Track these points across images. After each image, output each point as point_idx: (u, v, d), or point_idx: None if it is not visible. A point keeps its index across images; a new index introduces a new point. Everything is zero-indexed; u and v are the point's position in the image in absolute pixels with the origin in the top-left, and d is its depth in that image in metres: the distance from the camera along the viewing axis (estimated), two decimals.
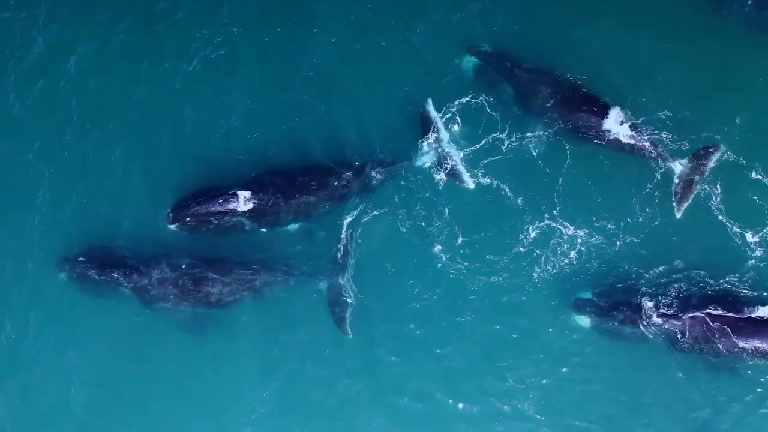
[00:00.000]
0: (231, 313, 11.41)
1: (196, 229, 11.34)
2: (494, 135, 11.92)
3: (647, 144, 11.48)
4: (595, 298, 11.27)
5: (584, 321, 11.26)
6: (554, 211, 11.60)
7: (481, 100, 12.06)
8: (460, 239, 11.58)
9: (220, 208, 11.23)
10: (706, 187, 11.46)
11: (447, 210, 11.70)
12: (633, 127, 11.52)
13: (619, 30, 12.43)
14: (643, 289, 11.23)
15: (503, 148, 11.89)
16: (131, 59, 12.69)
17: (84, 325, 11.51)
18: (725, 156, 11.55)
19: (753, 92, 12.06)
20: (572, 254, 11.46)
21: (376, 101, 12.36)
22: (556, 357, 11.26)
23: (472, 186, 11.68)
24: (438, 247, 11.56)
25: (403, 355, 11.35)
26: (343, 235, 11.50)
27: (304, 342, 11.39)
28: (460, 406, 11.17)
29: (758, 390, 10.96)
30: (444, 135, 11.83)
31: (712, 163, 11.40)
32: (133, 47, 12.74)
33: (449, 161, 11.72)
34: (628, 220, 11.51)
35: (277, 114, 12.36)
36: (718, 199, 11.43)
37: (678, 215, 11.35)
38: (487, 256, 11.52)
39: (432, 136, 11.80)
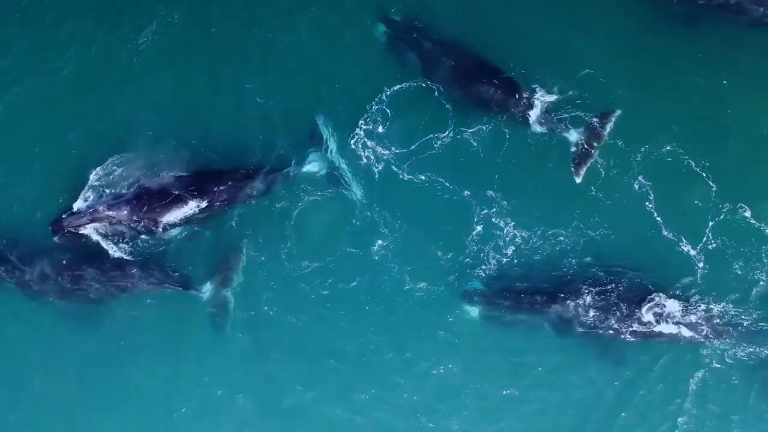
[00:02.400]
0: (110, 311, 11.65)
1: (78, 240, 11.59)
2: (430, 128, 12.01)
3: (544, 115, 11.81)
4: (482, 288, 11.53)
5: (473, 311, 11.52)
6: (492, 208, 11.76)
7: (412, 89, 12.15)
8: (396, 236, 11.75)
9: (94, 218, 11.44)
10: (638, 183, 11.77)
11: (379, 207, 11.85)
12: (531, 99, 11.84)
13: (531, 8, 12.58)
14: (534, 276, 11.63)
15: (437, 143, 11.96)
16: (52, 50, 12.63)
17: None
18: (664, 149, 11.85)
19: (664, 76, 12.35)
20: (509, 250, 11.67)
21: (278, 104, 12.33)
22: (486, 355, 11.54)
23: (359, 195, 11.81)
24: (370, 247, 11.68)
25: (313, 360, 11.53)
26: (235, 239, 11.72)
27: (185, 345, 11.58)
28: (372, 408, 11.42)
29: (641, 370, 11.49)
30: (333, 145, 11.93)
31: (608, 129, 11.74)
32: (54, 39, 12.69)
33: (336, 171, 11.85)
34: (564, 216, 11.80)
35: (171, 117, 12.31)
36: (652, 196, 11.76)
37: (578, 180, 11.74)
38: (420, 255, 11.70)
39: (321, 146, 11.94)
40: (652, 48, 12.43)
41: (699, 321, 11.31)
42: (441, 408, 11.42)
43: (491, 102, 11.90)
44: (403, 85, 12.19)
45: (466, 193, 11.83)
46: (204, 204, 11.59)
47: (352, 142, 12.01)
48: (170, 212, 11.49)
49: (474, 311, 11.52)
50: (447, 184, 11.90)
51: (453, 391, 11.43)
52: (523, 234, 11.69)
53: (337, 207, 11.89)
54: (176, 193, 11.53)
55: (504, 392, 11.41)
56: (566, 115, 11.90)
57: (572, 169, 11.73)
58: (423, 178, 11.88)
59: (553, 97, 11.93)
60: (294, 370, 11.47)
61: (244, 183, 11.72)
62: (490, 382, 11.44)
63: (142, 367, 11.57)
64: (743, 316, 11.44)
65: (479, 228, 11.71)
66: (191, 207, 11.55)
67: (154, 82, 12.43)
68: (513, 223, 11.71)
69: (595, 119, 11.79)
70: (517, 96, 11.81)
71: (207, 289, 11.47)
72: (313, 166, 11.95)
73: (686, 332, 11.29)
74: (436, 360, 11.48)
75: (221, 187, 11.61)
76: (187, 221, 11.62)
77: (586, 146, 11.69)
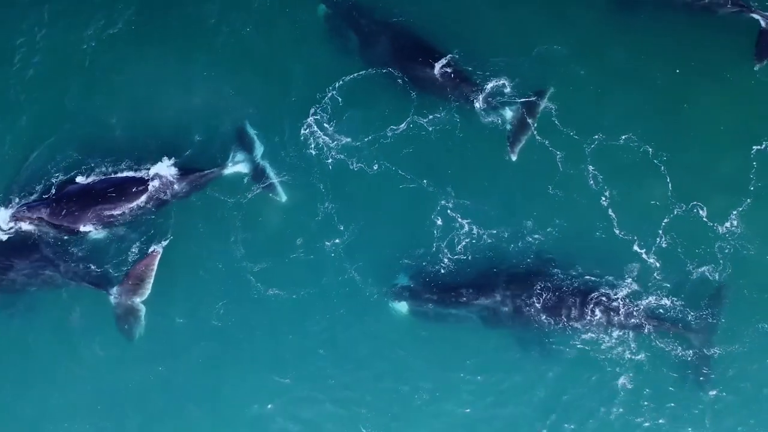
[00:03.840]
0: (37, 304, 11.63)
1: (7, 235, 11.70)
2: (386, 117, 11.92)
3: (487, 99, 11.79)
4: (411, 284, 11.35)
5: (402, 307, 11.33)
6: (449, 203, 11.64)
7: (371, 77, 12.05)
8: (347, 233, 11.58)
9: (17, 217, 11.54)
10: (593, 177, 11.61)
11: (331, 200, 11.67)
12: (467, 78, 11.86)
13: None
14: (479, 272, 11.40)
15: (391, 133, 11.85)
16: None
17: None
18: (620, 143, 11.72)
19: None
20: (461, 246, 11.48)
21: (217, 99, 12.24)
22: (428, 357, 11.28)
23: (284, 199, 11.67)
24: (322, 244, 11.50)
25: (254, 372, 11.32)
26: (156, 243, 11.57)
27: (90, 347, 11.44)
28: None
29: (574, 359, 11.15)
30: (259, 148, 11.88)
31: (541, 107, 11.74)
32: None
33: (262, 172, 11.76)
34: (520, 209, 11.66)
35: (99, 117, 12.24)
36: (608, 192, 11.57)
37: (513, 158, 11.70)
38: (372, 253, 11.55)
39: (249, 146, 11.87)
40: (606, 37, 12.38)
41: (645, 318, 11.06)
42: (390, 416, 11.09)
43: (428, 81, 11.89)
44: (360, 73, 12.15)
45: (422, 186, 11.71)
46: (124, 207, 11.58)
47: (303, 132, 11.92)
48: (89, 215, 11.51)
49: (403, 307, 11.32)
50: (402, 173, 11.76)
51: (402, 397, 11.15)
52: (477, 230, 11.51)
53: (284, 202, 11.72)
54: (95, 196, 11.52)
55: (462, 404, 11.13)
56: (518, 101, 11.83)
57: (507, 147, 11.71)
58: (375, 168, 11.77)
59: (499, 83, 11.90)
60: (243, 381, 11.25)
61: (168, 185, 11.68)
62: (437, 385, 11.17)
63: (86, 376, 11.40)
64: (691, 313, 11.17)
65: (434, 223, 11.55)
66: (111, 210, 11.56)
67: (80, 80, 12.39)
68: (468, 219, 11.57)
69: (528, 97, 11.80)
70: (453, 75, 11.81)
71: (114, 293, 11.34)
72: (241, 167, 11.86)
73: (632, 329, 11.04)
74: (385, 366, 11.23)
75: (140, 188, 11.57)
76: (108, 223, 11.62)
77: (520, 124, 11.68)
